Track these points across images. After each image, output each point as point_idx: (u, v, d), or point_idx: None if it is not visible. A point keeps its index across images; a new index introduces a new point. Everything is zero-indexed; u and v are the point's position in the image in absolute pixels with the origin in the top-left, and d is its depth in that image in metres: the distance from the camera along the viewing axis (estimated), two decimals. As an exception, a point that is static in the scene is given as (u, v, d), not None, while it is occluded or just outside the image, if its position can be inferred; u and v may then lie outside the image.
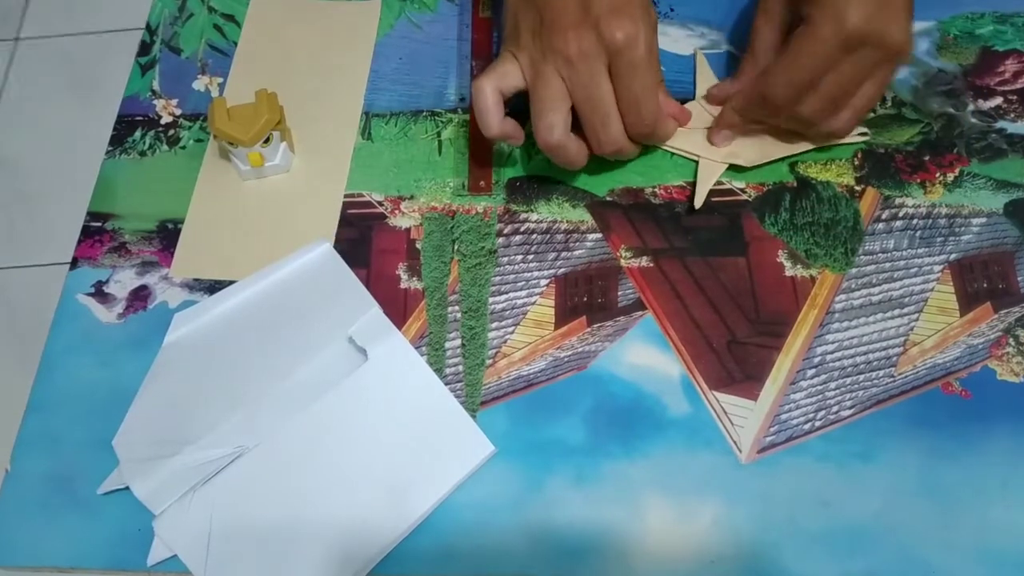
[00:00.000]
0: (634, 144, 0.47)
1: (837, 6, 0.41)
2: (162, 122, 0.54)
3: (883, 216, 0.48)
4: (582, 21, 0.43)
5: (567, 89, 0.44)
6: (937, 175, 0.49)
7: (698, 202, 0.48)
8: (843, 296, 0.46)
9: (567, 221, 0.49)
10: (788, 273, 0.47)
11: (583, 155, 0.47)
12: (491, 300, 0.47)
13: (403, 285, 0.48)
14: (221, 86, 0.55)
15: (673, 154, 0.50)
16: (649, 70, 0.44)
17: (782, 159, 0.50)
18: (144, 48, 0.57)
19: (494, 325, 0.46)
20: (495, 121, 0.46)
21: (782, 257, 0.47)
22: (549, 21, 0.43)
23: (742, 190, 0.49)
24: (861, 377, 0.44)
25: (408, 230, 0.50)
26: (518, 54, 0.46)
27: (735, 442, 0.43)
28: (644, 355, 0.45)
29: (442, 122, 0.53)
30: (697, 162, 0.50)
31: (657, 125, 0.46)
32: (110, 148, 0.53)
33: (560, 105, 0.45)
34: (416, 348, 0.46)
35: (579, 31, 0.43)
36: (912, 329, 0.45)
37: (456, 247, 0.49)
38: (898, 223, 0.48)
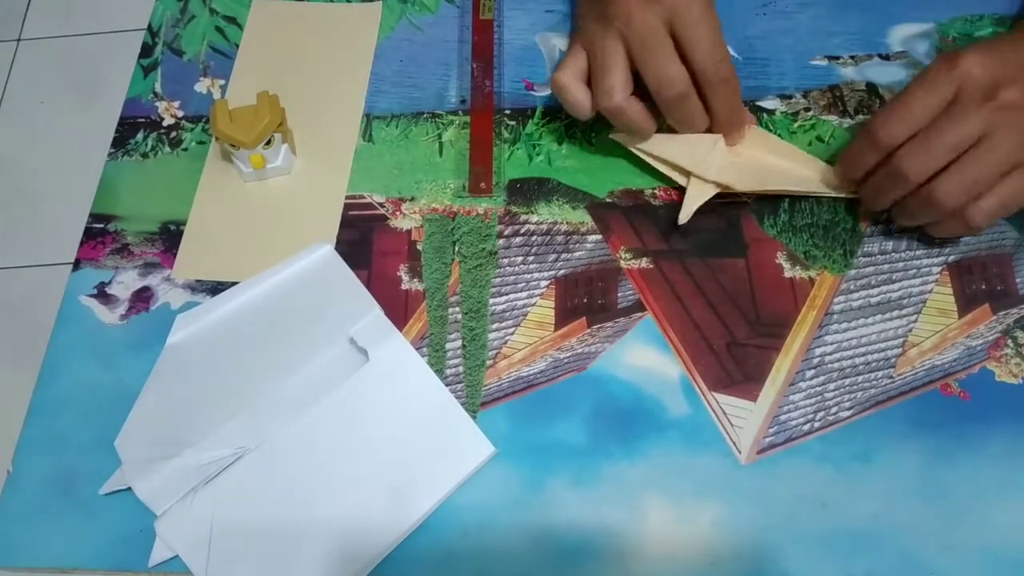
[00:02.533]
0: (697, 103, 0.46)
1: (951, 53, 0.41)
2: (164, 124, 0.54)
3: (882, 218, 0.48)
4: None
5: (625, 50, 0.44)
6: (936, 177, 0.49)
7: (683, 219, 0.47)
8: (842, 297, 0.46)
9: (567, 223, 0.49)
10: (787, 274, 0.47)
11: (647, 120, 0.47)
12: (491, 301, 0.47)
13: (404, 286, 0.48)
14: (223, 88, 0.55)
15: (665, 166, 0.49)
16: (710, 14, 0.44)
17: (775, 193, 0.49)
18: (146, 50, 0.57)
19: (494, 326, 0.47)
20: (583, 97, 0.46)
21: (781, 259, 0.48)
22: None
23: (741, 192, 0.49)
24: (860, 378, 0.44)
25: (409, 232, 0.50)
26: (583, 41, 0.46)
27: (734, 443, 0.43)
28: (644, 356, 0.45)
29: (443, 124, 0.53)
30: (684, 180, 0.49)
31: (725, 64, 0.44)
32: (112, 150, 0.53)
33: (617, 68, 0.45)
34: (417, 349, 0.46)
35: None
36: (911, 330, 0.45)
37: (457, 248, 0.49)
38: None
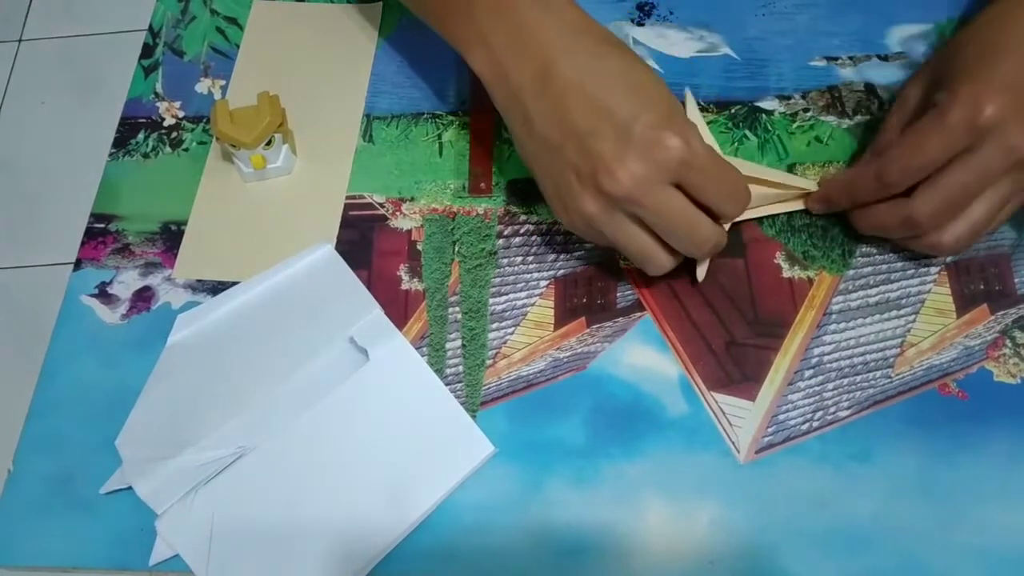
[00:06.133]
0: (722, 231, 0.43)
1: (974, 95, 0.40)
2: (165, 124, 0.54)
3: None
4: (625, 149, 0.38)
5: (641, 223, 0.40)
6: (935, 177, 0.49)
7: (700, 276, 0.45)
8: (840, 297, 0.46)
9: (567, 223, 0.49)
10: (786, 274, 0.47)
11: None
12: (491, 301, 0.47)
13: (404, 286, 0.48)
14: (223, 88, 0.56)
15: None
16: (724, 165, 0.41)
17: (776, 213, 0.48)
18: (147, 51, 0.57)
19: (494, 326, 0.47)
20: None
21: (780, 259, 0.48)
22: (590, 169, 0.39)
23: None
24: (858, 378, 0.44)
25: (409, 232, 0.50)
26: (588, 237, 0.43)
27: (733, 442, 0.43)
28: (643, 356, 0.45)
29: (443, 124, 0.53)
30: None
31: (743, 201, 0.42)
32: (113, 150, 0.54)
33: (651, 245, 0.41)
34: (417, 349, 0.46)
35: (626, 162, 0.38)
36: (909, 330, 0.45)
37: (457, 248, 0.49)
38: (896, 225, 0.48)
